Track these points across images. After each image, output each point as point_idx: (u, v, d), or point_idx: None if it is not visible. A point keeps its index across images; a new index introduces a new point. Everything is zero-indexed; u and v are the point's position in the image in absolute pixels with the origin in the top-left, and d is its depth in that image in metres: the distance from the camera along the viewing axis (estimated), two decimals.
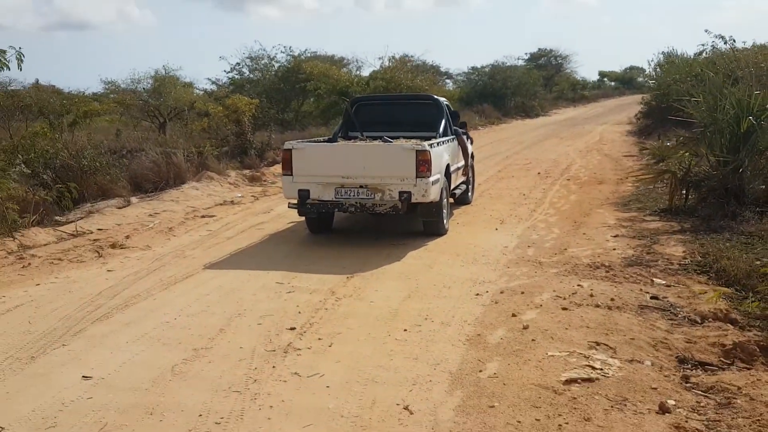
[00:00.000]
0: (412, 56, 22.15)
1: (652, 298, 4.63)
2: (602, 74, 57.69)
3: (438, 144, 6.63)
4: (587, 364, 3.47)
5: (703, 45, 14.87)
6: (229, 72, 21.16)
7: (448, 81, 33.14)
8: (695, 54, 16.17)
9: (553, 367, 3.43)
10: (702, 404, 3.11)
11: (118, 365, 3.56)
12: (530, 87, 31.19)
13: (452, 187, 7.42)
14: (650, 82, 23.83)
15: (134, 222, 7.80)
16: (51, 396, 3.21)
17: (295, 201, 6.46)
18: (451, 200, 7.53)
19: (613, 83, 56.83)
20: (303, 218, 6.94)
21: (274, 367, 3.49)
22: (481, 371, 3.40)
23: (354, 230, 7.38)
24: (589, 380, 3.28)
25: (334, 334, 3.96)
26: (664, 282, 4.99)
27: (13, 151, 8.15)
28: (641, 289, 4.80)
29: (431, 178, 6.16)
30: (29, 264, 5.91)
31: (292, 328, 4.06)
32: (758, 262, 5.09)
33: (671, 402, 3.08)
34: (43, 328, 4.20)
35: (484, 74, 31.00)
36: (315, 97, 19.82)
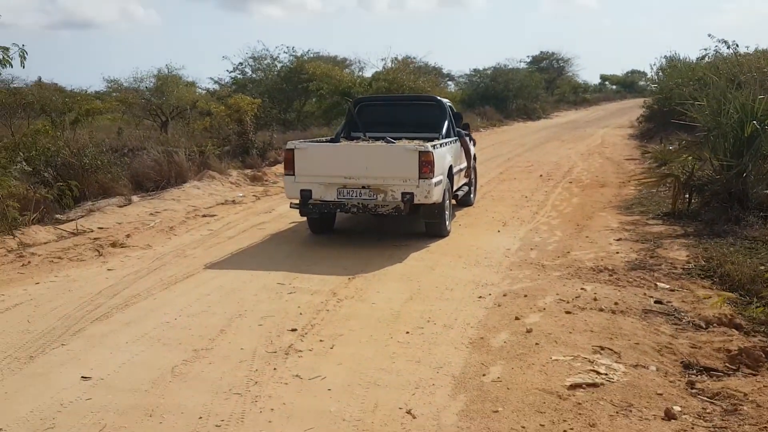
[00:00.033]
0: (414, 58, 22.15)
1: (656, 302, 4.60)
2: (604, 78, 57.82)
3: (441, 145, 6.60)
4: (592, 368, 3.43)
5: (705, 49, 14.86)
6: (231, 71, 21.14)
7: (450, 83, 33.15)
8: (698, 58, 16.19)
9: (557, 371, 3.40)
10: (708, 411, 3.08)
11: (118, 366, 3.53)
12: (532, 90, 31.17)
13: (455, 188, 7.39)
14: (652, 86, 23.86)
15: (135, 221, 7.77)
16: (50, 396, 3.18)
17: (297, 201, 6.43)
18: (453, 202, 7.50)
19: (614, 87, 56.90)
20: (304, 218, 6.91)
21: (275, 368, 3.46)
22: (484, 375, 3.37)
23: (356, 231, 7.35)
24: (594, 385, 3.25)
25: (336, 336, 3.93)
26: (667, 286, 4.96)
27: (14, 149, 8.12)
28: (645, 294, 4.77)
29: (434, 180, 6.13)
30: (29, 262, 5.88)
31: (294, 330, 4.03)
32: (762, 267, 5.05)
33: (677, 408, 3.05)
34: (42, 327, 4.16)
35: (486, 76, 30.97)
36: (317, 97, 19.80)
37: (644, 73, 48.46)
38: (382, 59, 21.59)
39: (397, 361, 3.54)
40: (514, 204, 8.76)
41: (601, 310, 4.39)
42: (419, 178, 6.04)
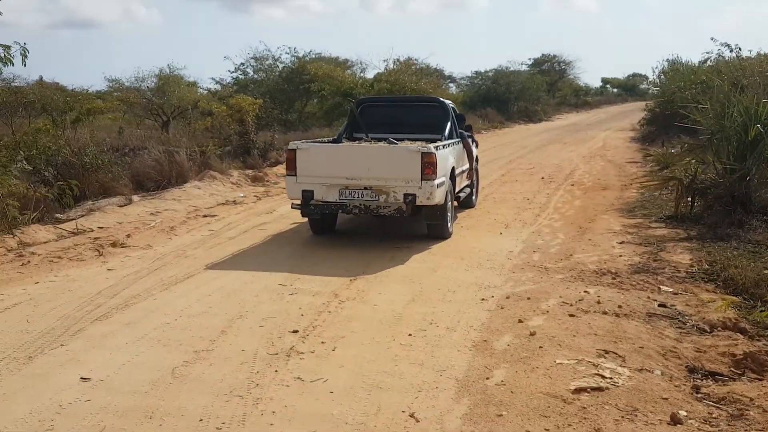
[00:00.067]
0: (416, 59, 22.14)
1: (659, 305, 4.57)
2: (605, 81, 57.92)
3: (443, 147, 6.57)
4: (596, 372, 3.40)
5: (708, 53, 14.87)
6: (233, 72, 21.15)
7: (451, 84, 33.18)
8: (700, 62, 16.18)
9: (561, 375, 3.37)
10: (714, 416, 3.05)
11: (118, 367, 3.49)
12: (533, 92, 31.18)
13: (457, 190, 7.36)
14: (654, 89, 23.86)
15: (135, 220, 7.74)
16: (48, 398, 3.14)
17: (299, 202, 6.40)
18: (455, 203, 7.47)
19: (615, 90, 56.98)
20: (306, 219, 6.88)
21: (276, 370, 3.43)
22: (488, 378, 3.33)
23: (357, 232, 7.32)
24: (599, 389, 3.22)
25: (338, 338, 3.89)
26: (671, 290, 4.93)
27: (14, 148, 8.09)
28: (648, 297, 4.74)
29: (436, 181, 6.10)
30: (28, 262, 5.85)
31: (295, 331, 4.00)
32: (767, 271, 5.03)
33: (683, 413, 3.02)
34: (42, 327, 4.13)
35: (487, 78, 30.99)
36: (319, 98, 19.79)
37: (645, 77, 48.62)
38: (384, 60, 21.61)
39: (399, 364, 3.51)
40: (516, 206, 8.73)
41: (605, 313, 4.36)
42: (422, 179, 6.01)
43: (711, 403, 3.17)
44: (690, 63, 18.55)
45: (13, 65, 6.33)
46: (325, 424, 2.89)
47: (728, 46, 12.65)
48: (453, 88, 31.91)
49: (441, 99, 8.12)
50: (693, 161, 7.88)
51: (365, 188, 6.16)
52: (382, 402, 3.08)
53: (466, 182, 8.17)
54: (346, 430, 2.84)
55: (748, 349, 3.76)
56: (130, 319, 4.27)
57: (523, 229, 7.28)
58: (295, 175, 6.35)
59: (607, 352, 3.68)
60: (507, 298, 4.70)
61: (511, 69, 32.39)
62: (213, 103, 16.10)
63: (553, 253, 6.12)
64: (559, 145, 18.41)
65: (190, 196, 9.28)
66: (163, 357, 3.62)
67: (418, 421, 2.89)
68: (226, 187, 10.29)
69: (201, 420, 2.92)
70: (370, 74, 21.64)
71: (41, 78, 17.31)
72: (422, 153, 6.03)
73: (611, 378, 3.34)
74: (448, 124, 7.47)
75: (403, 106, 8.46)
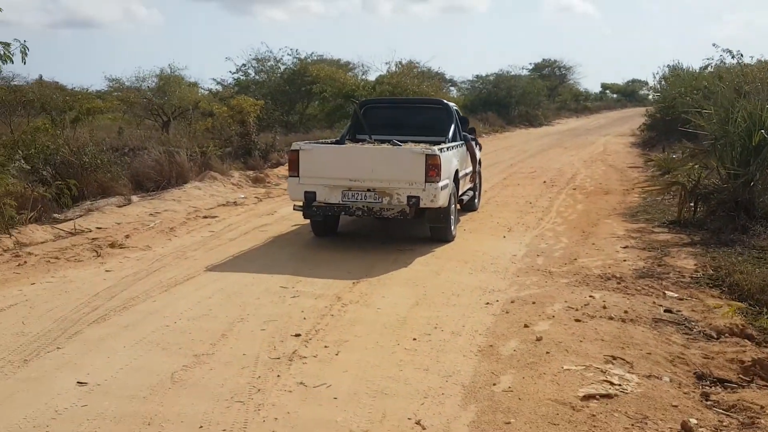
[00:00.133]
0: (418, 62, 22.13)
1: (665, 311, 4.52)
2: (605, 86, 58.13)
3: (447, 149, 6.52)
4: (605, 379, 3.34)
5: (709, 59, 14.82)
6: (234, 73, 21.13)
7: (452, 88, 33.20)
8: (701, 68, 16.16)
9: (569, 381, 3.30)
10: (725, 424, 3.00)
11: (115, 371, 3.42)
12: (534, 96, 31.24)
13: (460, 193, 7.31)
14: (654, 95, 23.89)
15: (134, 221, 7.66)
16: (44, 402, 3.07)
17: (301, 203, 6.34)
18: (458, 206, 7.42)
19: (615, 95, 57.15)
20: (307, 221, 6.82)
21: (278, 375, 3.35)
22: (495, 384, 3.27)
23: (360, 234, 7.25)
24: (608, 396, 3.16)
25: (341, 342, 3.82)
26: (676, 295, 4.88)
27: (13, 146, 8.02)
28: (654, 302, 4.69)
29: (440, 183, 6.05)
30: (25, 262, 5.77)
31: (297, 335, 3.93)
32: None
33: (693, 421, 2.96)
34: (38, 329, 4.05)
35: (488, 82, 31.05)
36: (320, 100, 19.75)
37: (645, 83, 48.72)
38: (386, 63, 21.61)
39: (404, 369, 3.44)
40: (519, 210, 8.68)
41: (611, 318, 4.30)
42: (425, 181, 5.96)
43: (721, 410, 3.12)
44: (691, 69, 18.58)
45: (13, 63, 6.26)
46: (329, 431, 2.82)
47: (730, 52, 12.63)
48: (454, 92, 31.99)
49: (445, 101, 8.08)
50: (696, 166, 7.84)
51: (368, 190, 6.10)
52: (387, 408, 3.01)
53: (469, 185, 8.13)
54: None
55: (757, 355, 3.71)
56: (128, 322, 4.19)
57: (526, 232, 7.22)
58: (298, 176, 6.28)
59: (614, 358, 3.62)
60: (512, 302, 4.64)
61: (512, 73, 32.51)
62: (214, 103, 16.07)
63: (557, 257, 6.06)
64: (559, 149, 18.40)
65: (190, 197, 9.21)
66: (162, 361, 3.54)
67: (424, 429, 2.83)
68: (226, 188, 10.22)
69: (201, 426, 2.85)
70: (371, 77, 21.65)
71: (41, 77, 17.29)
72: (426, 155, 5.98)
73: (620, 385, 3.28)
74: (452, 127, 7.43)
75: (407, 108, 8.41)
